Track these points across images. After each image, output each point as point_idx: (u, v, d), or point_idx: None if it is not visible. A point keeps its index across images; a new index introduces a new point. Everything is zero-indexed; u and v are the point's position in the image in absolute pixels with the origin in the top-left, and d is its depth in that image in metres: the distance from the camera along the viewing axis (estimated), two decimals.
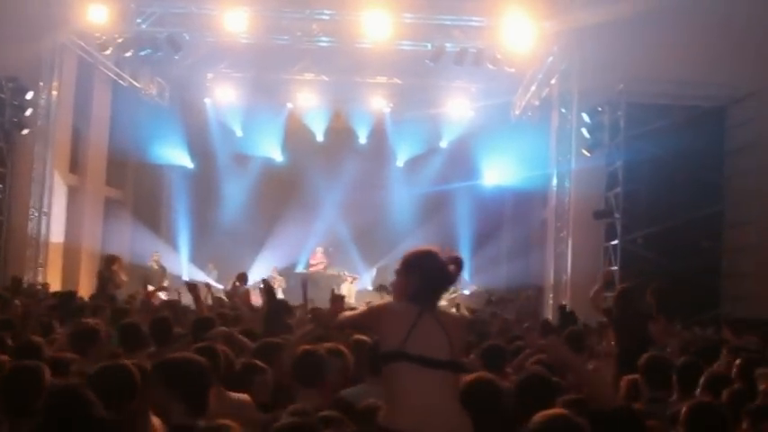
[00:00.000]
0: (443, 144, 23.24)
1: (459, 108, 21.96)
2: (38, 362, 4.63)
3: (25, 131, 16.50)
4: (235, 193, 22.78)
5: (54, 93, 17.18)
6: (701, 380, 5.32)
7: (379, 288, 16.52)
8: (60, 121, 17.43)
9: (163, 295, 13.81)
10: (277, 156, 23.67)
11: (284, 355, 5.49)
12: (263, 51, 18.63)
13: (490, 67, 17.28)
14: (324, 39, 17.59)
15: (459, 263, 4.11)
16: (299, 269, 22.11)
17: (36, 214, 16.92)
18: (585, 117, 16.10)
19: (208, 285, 12.60)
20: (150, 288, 12.71)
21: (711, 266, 15.26)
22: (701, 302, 14.40)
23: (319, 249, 22.33)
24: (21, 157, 16.81)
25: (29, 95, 16.33)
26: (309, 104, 22.16)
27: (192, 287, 8.97)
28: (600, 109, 15.85)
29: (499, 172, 21.76)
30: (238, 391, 4.87)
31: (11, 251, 16.56)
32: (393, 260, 13.78)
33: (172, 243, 22.37)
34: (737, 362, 6.01)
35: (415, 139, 23.00)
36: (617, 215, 15.34)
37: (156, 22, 16.94)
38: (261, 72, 20.71)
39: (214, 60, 20.07)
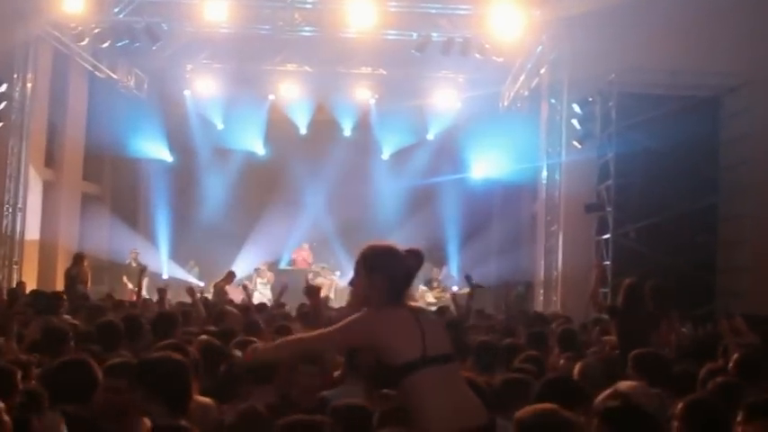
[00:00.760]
0: (430, 136, 22.87)
1: (446, 99, 21.58)
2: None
3: None
4: (216, 188, 22.41)
5: (29, 85, 16.81)
6: (699, 376, 5.46)
7: None
8: (35, 115, 17.09)
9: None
10: (259, 149, 23.31)
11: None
12: (244, 41, 18.32)
13: (478, 56, 17.00)
14: (306, 28, 17.26)
15: (419, 257, 4.13)
16: (282, 266, 21.84)
17: (11, 210, 16.61)
18: (576, 108, 15.75)
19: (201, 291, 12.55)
20: (129, 286, 12.56)
21: (706, 261, 14.91)
22: (696, 298, 14.03)
23: (306, 245, 22.07)
24: None
25: (2, 88, 15.91)
26: (292, 96, 21.67)
27: (191, 292, 9.61)
28: (591, 99, 15.50)
29: (488, 164, 21.37)
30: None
31: None
32: None
33: (151, 240, 22.00)
34: (735, 357, 6.02)
35: (401, 131, 22.63)
36: (609, 208, 15.01)
37: (134, 12, 16.54)
38: (242, 63, 20.35)
39: (194, 51, 19.70)
